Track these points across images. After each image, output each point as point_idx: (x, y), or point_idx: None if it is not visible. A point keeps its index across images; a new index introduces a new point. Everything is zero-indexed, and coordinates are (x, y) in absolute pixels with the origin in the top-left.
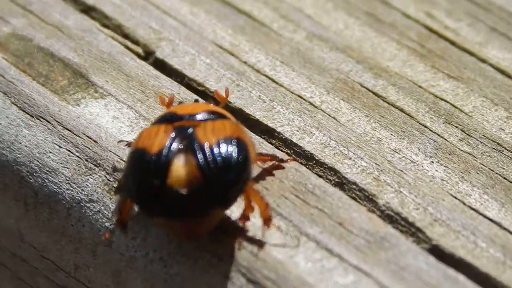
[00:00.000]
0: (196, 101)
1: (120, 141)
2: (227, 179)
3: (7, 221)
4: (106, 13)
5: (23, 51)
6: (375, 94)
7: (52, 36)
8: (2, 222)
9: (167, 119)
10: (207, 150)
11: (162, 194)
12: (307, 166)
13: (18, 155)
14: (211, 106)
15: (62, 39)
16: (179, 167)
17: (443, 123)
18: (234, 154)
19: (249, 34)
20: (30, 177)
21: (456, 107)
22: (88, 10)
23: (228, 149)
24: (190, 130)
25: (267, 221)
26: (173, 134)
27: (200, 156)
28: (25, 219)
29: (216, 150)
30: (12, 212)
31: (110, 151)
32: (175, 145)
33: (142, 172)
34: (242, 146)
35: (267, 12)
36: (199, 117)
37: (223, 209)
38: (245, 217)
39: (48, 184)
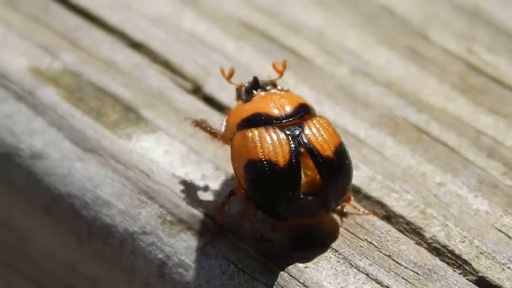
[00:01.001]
0: (255, 79)
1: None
2: (344, 186)
3: (61, 253)
4: (153, 49)
5: (74, 86)
6: (419, 128)
7: (101, 71)
8: (56, 253)
9: (265, 121)
10: (326, 158)
11: (294, 201)
12: (355, 200)
13: (71, 189)
14: (296, 97)
15: (111, 74)
16: (304, 174)
17: (486, 157)
18: (347, 160)
19: (293, 69)
20: (83, 209)
21: (498, 141)
22: (136, 46)
23: (341, 156)
24: (297, 132)
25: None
26: (286, 141)
27: (321, 164)
28: (79, 250)
29: (333, 157)
30: (65, 244)
31: (163, 184)
32: (295, 152)
33: (277, 185)
34: (347, 151)
35: (310, 47)
36: (296, 115)
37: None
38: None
39: (101, 216)
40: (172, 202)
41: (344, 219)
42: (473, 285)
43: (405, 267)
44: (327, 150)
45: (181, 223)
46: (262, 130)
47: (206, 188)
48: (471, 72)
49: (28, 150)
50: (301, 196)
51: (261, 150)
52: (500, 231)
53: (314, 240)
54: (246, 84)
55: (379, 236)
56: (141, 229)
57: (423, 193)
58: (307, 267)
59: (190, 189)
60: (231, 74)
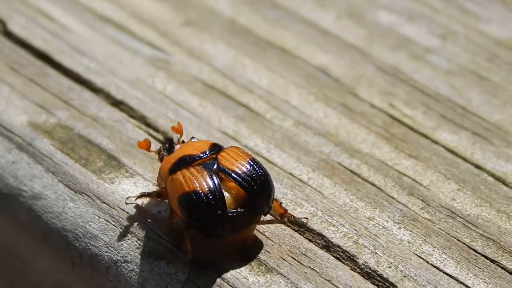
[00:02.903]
0: (171, 140)
1: (128, 197)
2: (266, 190)
3: (57, 276)
4: (132, 106)
5: (67, 138)
6: (351, 171)
7: (89, 126)
8: (54, 276)
9: (187, 162)
10: (242, 173)
11: (225, 218)
12: (299, 232)
13: (65, 224)
14: (208, 141)
15: (97, 128)
16: (227, 194)
17: (407, 195)
18: (262, 170)
19: (247, 122)
20: (75, 241)
21: (417, 181)
22: (118, 104)
23: (255, 168)
24: (214, 163)
25: (285, 213)
26: (205, 172)
27: (239, 179)
28: (72, 275)
29: (247, 171)
30: (61, 269)
31: (140, 221)
32: (212, 178)
33: (205, 208)
34: (260, 163)
35: (261, 104)
36: (211, 152)
37: (265, 215)
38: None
39: (90, 247)
40: (149, 236)
41: (290, 249)
42: None
43: None
44: (240, 167)
45: (156, 253)
46: (184, 170)
47: (175, 224)
48: (393, 123)
49: (29, 192)
50: (231, 212)
51: (186, 185)
52: (420, 257)
53: (267, 267)
54: (166, 145)
55: (320, 264)
56: (123, 258)
57: (356, 226)
58: None
59: (162, 225)
60: (148, 145)
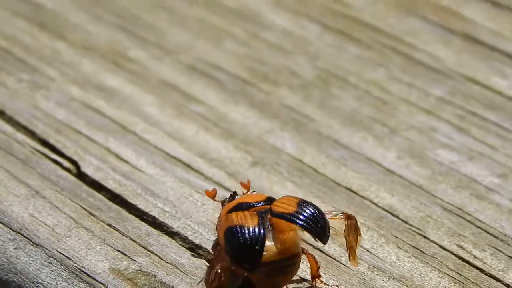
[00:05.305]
0: (235, 192)
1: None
2: (322, 219)
3: None
4: (210, 251)
5: (149, 286)
6: None
7: (171, 273)
8: None
9: (243, 208)
10: (299, 214)
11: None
12: None
13: None
14: (264, 195)
15: (179, 275)
16: (272, 239)
17: None
18: (317, 209)
19: (322, 267)
20: None
21: None
22: (195, 248)
23: (311, 207)
24: (266, 212)
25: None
26: (255, 215)
27: (295, 220)
28: None
29: (305, 211)
30: None
31: None
32: (263, 223)
33: (245, 240)
34: (312, 204)
35: (335, 247)
36: (265, 202)
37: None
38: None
39: None
40: None
41: None
42: None
43: None
44: (291, 209)
45: None
46: (239, 212)
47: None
48: (464, 266)
49: None
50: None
51: (236, 220)
52: None
53: None
54: (229, 197)
55: None
56: None
57: None
58: None
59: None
60: (214, 194)
